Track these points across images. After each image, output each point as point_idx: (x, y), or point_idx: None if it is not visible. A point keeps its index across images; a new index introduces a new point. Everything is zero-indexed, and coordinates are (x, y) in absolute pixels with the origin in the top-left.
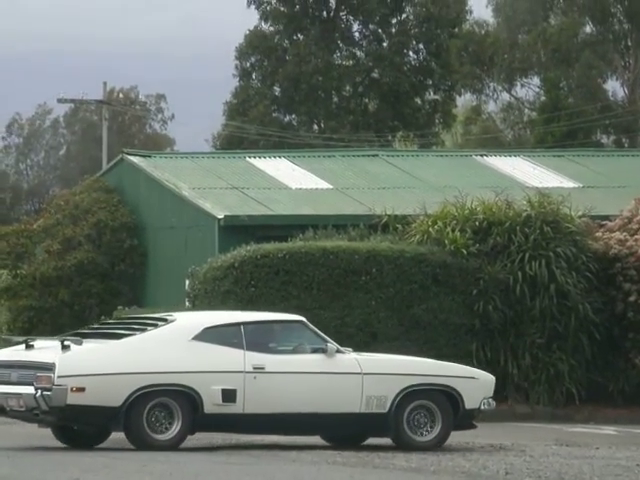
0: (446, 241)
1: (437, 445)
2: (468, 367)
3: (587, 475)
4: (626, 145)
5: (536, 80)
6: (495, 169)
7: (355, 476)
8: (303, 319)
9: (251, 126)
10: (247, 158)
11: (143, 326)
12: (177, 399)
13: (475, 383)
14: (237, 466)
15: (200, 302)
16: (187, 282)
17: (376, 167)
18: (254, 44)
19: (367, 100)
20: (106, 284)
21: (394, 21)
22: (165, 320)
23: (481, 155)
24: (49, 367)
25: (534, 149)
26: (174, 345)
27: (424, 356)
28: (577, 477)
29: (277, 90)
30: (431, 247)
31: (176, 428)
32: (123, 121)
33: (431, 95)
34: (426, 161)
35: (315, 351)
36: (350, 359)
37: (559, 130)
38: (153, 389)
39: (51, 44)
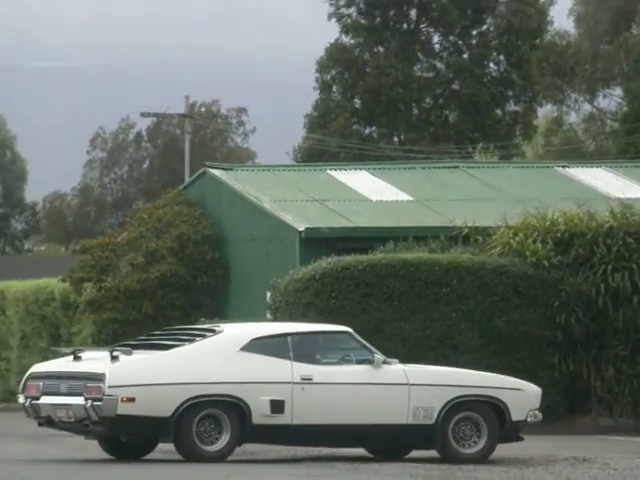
0: (527, 253)
1: (483, 458)
2: (514, 379)
3: None
4: None
5: (618, 91)
6: (577, 180)
7: None
8: (350, 330)
9: (332, 138)
10: (328, 170)
11: (191, 337)
12: (226, 410)
13: (521, 395)
14: (318, 478)
15: (281, 314)
16: (268, 294)
17: (456, 179)
18: (335, 57)
19: (447, 112)
20: (188, 296)
21: (474, 32)
22: (213, 331)
23: (562, 166)
24: (99, 377)
25: (616, 160)
26: (222, 356)
27: (506, 369)
28: None
29: (357, 102)
30: (512, 259)
31: (225, 439)
32: (205, 134)
33: (512, 106)
34: (507, 172)
35: (362, 362)
36: (397, 370)
37: None
38: (202, 400)
39: (133, 56)
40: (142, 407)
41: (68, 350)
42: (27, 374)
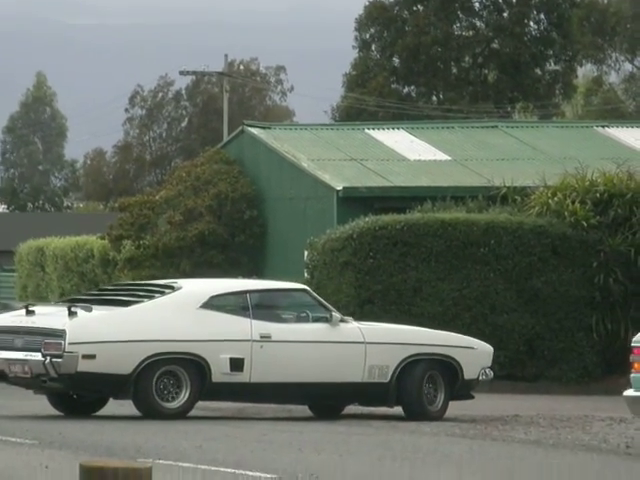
0: (566, 213)
1: (441, 416)
2: (467, 337)
3: None
4: None
5: None
6: (616, 140)
7: (474, 448)
8: (307, 288)
9: (370, 98)
10: (366, 130)
11: (149, 293)
12: (185, 367)
13: (474, 353)
14: (356, 436)
15: (319, 273)
16: (306, 253)
17: (495, 138)
18: (373, 15)
19: (486, 71)
20: (226, 255)
21: None
22: (171, 287)
23: (602, 126)
24: (58, 334)
25: None
26: (182, 313)
27: (543, 329)
28: None
29: (396, 61)
30: (550, 219)
31: (184, 396)
32: (243, 93)
33: (551, 66)
34: (546, 132)
35: (319, 320)
36: (353, 328)
37: None
38: (162, 357)
39: (172, 16)
40: (102, 364)
41: (19, 304)
42: None
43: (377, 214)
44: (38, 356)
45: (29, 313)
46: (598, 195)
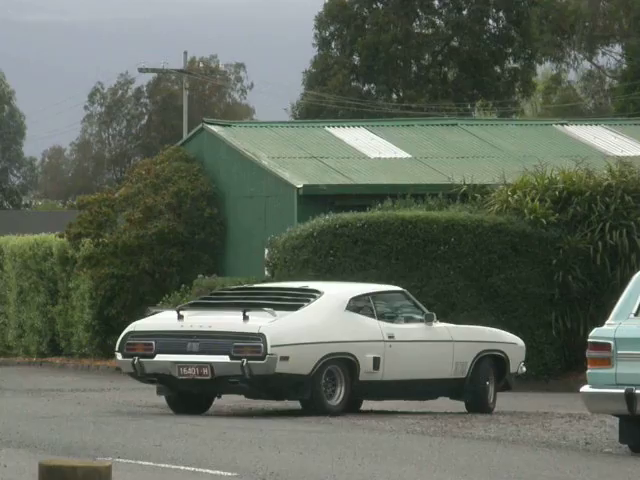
0: (525, 211)
1: (493, 408)
2: (509, 333)
3: None
4: None
5: (618, 48)
6: (575, 138)
7: (434, 445)
8: (404, 290)
9: (330, 95)
10: (326, 127)
11: (297, 297)
12: (342, 367)
13: (516, 348)
14: (316, 434)
15: (279, 271)
16: (266, 251)
17: (455, 136)
18: (333, 13)
19: (446, 69)
20: (186, 253)
21: None
22: (317, 291)
23: (561, 124)
24: (256, 337)
25: (615, 118)
26: (334, 315)
27: (503, 326)
28: None
29: (356, 59)
30: (510, 217)
31: (341, 394)
32: (203, 90)
33: (511, 63)
34: (505, 130)
35: (419, 320)
36: (442, 327)
37: None
38: (331, 357)
39: (131, 12)
40: (292, 365)
41: (157, 309)
42: (126, 332)
43: (337, 212)
44: (225, 358)
45: (180, 318)
46: (557, 193)
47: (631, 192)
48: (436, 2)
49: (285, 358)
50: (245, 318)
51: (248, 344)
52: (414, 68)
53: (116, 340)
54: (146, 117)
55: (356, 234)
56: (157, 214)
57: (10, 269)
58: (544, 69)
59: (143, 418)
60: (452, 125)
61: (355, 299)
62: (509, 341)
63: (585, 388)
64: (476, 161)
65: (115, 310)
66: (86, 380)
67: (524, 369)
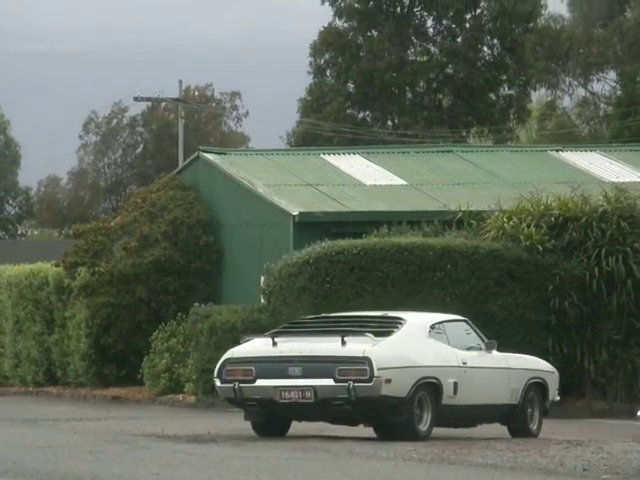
0: (521, 237)
1: (538, 434)
2: (547, 362)
3: None
4: None
5: (612, 74)
6: (571, 164)
7: (431, 472)
8: (467, 319)
9: (325, 123)
10: (321, 155)
11: (382, 324)
12: (429, 391)
13: (553, 376)
14: (314, 462)
15: (275, 298)
16: (262, 279)
17: (450, 163)
18: (328, 41)
19: (441, 96)
20: (182, 281)
21: (468, 16)
22: (402, 319)
23: (556, 150)
24: (361, 361)
25: (610, 144)
26: (421, 341)
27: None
28: None
29: (351, 87)
30: (506, 243)
31: (427, 419)
32: (199, 119)
33: (505, 90)
34: (501, 156)
35: (481, 348)
36: (498, 355)
37: (635, 125)
38: (422, 382)
39: (126, 40)
40: (393, 388)
41: (249, 337)
42: (224, 359)
43: (333, 239)
44: (329, 382)
45: (274, 344)
46: (553, 219)
47: (627, 218)
48: (430, 29)
49: (388, 381)
50: (343, 343)
51: (354, 367)
52: (409, 95)
53: (112, 369)
54: (141, 146)
55: (352, 261)
56: (153, 242)
57: (6, 299)
58: (539, 95)
59: (140, 447)
60: (447, 152)
61: (432, 327)
62: (549, 369)
63: None
64: (471, 187)
65: (111, 339)
66: (82, 409)
67: (558, 397)
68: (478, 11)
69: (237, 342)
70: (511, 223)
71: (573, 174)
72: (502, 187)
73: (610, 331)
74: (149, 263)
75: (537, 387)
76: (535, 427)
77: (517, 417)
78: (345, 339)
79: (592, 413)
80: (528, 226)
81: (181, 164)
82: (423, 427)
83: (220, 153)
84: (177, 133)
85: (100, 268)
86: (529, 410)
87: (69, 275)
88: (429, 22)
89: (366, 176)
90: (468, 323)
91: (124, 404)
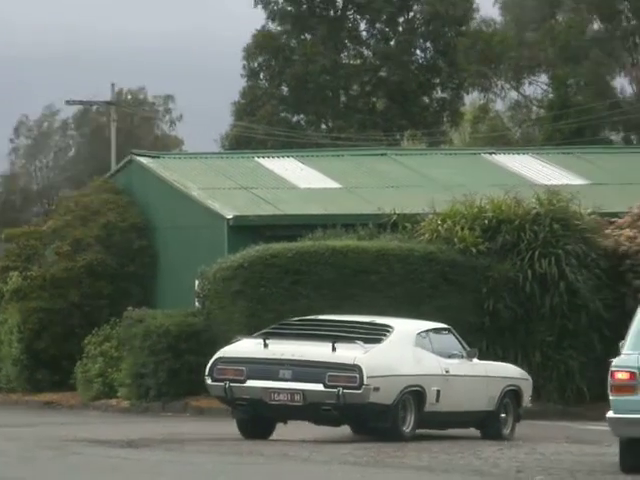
0: (455, 239)
1: (511, 438)
2: (520, 369)
3: (599, 472)
4: (635, 142)
5: (544, 78)
6: (504, 167)
7: (366, 476)
8: (450, 327)
9: (259, 126)
10: (255, 158)
11: (370, 331)
12: (413, 398)
13: (527, 383)
14: (248, 466)
15: (210, 302)
16: (197, 282)
17: (384, 166)
18: (261, 44)
19: (375, 99)
20: (116, 285)
21: (401, 19)
22: (390, 326)
23: (490, 153)
24: (351, 368)
25: (542, 147)
26: (409, 350)
27: None
28: (589, 474)
29: (285, 90)
30: (440, 246)
31: (411, 422)
32: (132, 122)
33: (439, 93)
34: (434, 160)
35: (463, 356)
36: (478, 363)
37: (567, 127)
38: (408, 389)
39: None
40: (381, 396)
41: (240, 337)
42: (216, 358)
43: (268, 242)
44: (318, 386)
45: (266, 346)
46: (487, 221)
47: (559, 220)
48: (364, 33)
49: (377, 389)
50: (334, 349)
51: (344, 374)
52: (343, 98)
53: (45, 374)
54: (73, 149)
55: (287, 264)
56: (86, 247)
57: None
58: (472, 99)
59: (73, 453)
60: (381, 155)
61: (418, 335)
62: (524, 377)
63: (610, 414)
64: (406, 190)
65: (44, 344)
66: (14, 415)
67: (530, 404)
68: (411, 14)
69: (171, 347)
70: (445, 226)
71: (506, 177)
72: (436, 190)
73: (543, 333)
74: (82, 267)
75: (512, 394)
76: (508, 432)
77: (492, 423)
78: (336, 345)
79: (526, 414)
80: (462, 229)
81: (114, 167)
82: (407, 429)
83: (154, 157)
84: (109, 136)
85: (32, 272)
86: (503, 416)
87: (0, 280)
88: (362, 25)
89: (300, 179)
90: (451, 331)
91: (57, 410)
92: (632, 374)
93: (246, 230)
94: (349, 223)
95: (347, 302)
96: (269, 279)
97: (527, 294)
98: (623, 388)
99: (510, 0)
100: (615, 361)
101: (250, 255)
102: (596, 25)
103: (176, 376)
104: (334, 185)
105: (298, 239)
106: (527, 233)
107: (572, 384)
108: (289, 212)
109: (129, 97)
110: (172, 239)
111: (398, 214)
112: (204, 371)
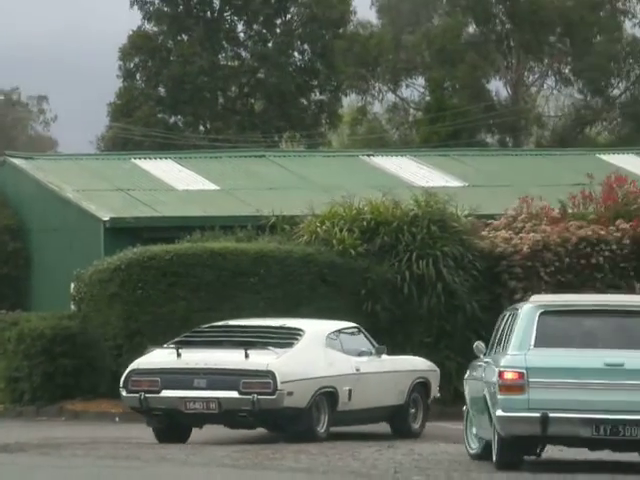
0: (334, 241)
1: (421, 433)
2: (428, 361)
3: (474, 472)
4: (510, 144)
5: (421, 80)
6: (382, 169)
7: (244, 478)
8: (359, 325)
9: (136, 127)
10: (132, 159)
11: (283, 335)
12: (327, 399)
13: (435, 375)
14: (124, 470)
15: (86, 305)
16: (72, 285)
17: (263, 168)
18: (137, 44)
19: (253, 100)
20: None
21: (278, 21)
22: (301, 329)
23: (368, 155)
24: (264, 374)
25: (420, 149)
26: (320, 352)
27: None
28: (465, 474)
29: (162, 91)
30: (319, 247)
31: (325, 423)
32: (4, 122)
33: (317, 96)
34: (313, 161)
35: (372, 353)
36: (387, 359)
37: (444, 130)
38: (321, 391)
39: None
40: (296, 400)
41: (153, 348)
42: (130, 370)
43: (145, 244)
44: (233, 394)
45: (179, 355)
46: (365, 223)
47: (437, 222)
48: (241, 34)
49: (290, 393)
50: (247, 356)
51: (257, 380)
52: (221, 100)
53: None
54: None
55: (164, 266)
56: None
57: None
58: (350, 101)
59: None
60: (260, 157)
61: (329, 336)
62: (431, 369)
63: (499, 412)
64: (284, 192)
65: None
66: None
67: (438, 394)
68: (288, 16)
69: (46, 350)
70: (324, 227)
71: (384, 179)
72: (315, 192)
73: (421, 334)
74: None
75: (420, 387)
76: (418, 426)
77: (401, 417)
78: (248, 352)
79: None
80: (341, 230)
81: None
82: (321, 429)
83: (27, 158)
84: None
85: None
86: (412, 410)
87: None
88: (240, 27)
89: (178, 181)
90: (360, 329)
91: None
92: (520, 374)
93: (123, 232)
94: (228, 225)
95: (225, 304)
96: (146, 281)
97: (405, 295)
98: (512, 388)
99: (387, 3)
100: (503, 361)
101: (127, 257)
102: (471, 28)
103: (51, 380)
104: (212, 187)
105: (176, 241)
106: (405, 235)
107: (449, 385)
108: (167, 214)
109: (1, 98)
110: (47, 241)
111: (277, 216)
112: (79, 374)
